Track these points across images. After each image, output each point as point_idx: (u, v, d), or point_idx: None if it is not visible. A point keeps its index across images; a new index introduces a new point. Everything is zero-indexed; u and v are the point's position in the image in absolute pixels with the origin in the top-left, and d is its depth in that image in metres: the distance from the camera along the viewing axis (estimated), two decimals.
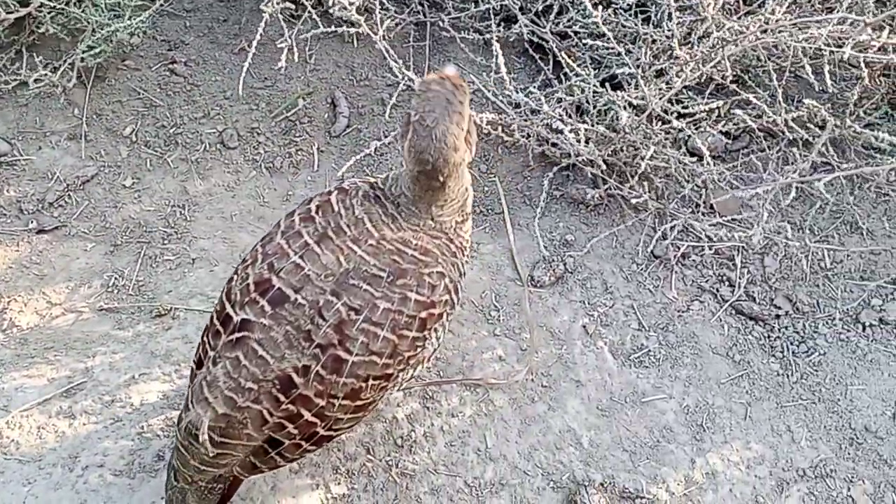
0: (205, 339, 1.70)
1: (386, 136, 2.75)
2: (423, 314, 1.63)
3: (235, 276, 1.69)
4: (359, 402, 1.64)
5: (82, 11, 2.69)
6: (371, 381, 1.62)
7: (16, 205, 2.53)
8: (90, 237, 2.47)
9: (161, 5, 2.85)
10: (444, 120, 1.58)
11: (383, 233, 1.65)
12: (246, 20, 2.99)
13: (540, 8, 2.91)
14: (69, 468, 1.93)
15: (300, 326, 1.58)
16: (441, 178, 1.63)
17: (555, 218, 2.57)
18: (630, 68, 2.37)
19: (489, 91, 2.71)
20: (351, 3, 2.35)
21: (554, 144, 2.55)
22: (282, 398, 1.59)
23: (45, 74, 2.64)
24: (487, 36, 2.88)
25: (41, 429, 2.00)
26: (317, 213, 1.69)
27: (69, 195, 2.56)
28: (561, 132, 2.51)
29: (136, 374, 2.13)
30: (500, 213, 2.58)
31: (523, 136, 2.53)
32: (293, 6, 2.59)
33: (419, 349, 1.68)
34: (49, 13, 2.69)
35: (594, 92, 2.45)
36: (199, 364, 1.70)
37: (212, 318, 1.70)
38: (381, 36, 2.48)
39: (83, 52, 2.67)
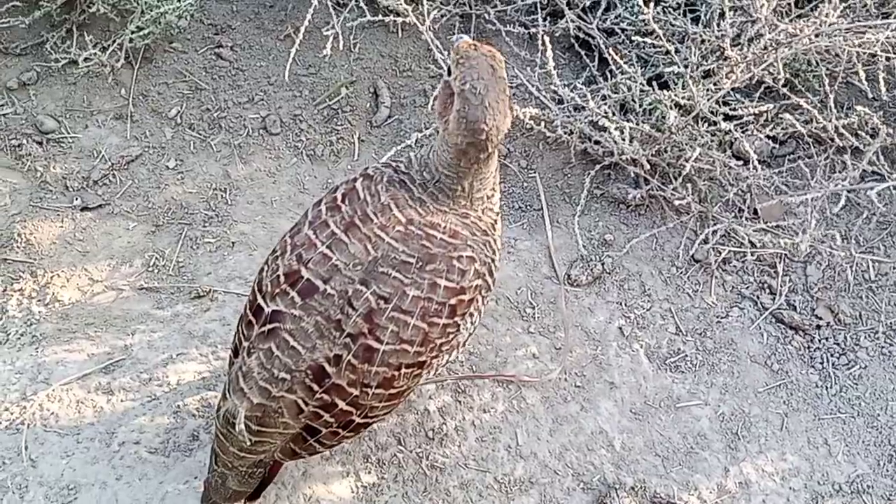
0: (239, 328, 1.71)
1: (427, 128, 2.72)
2: (453, 301, 1.60)
3: (266, 267, 1.68)
4: (392, 391, 1.63)
5: None
6: (404, 370, 1.61)
7: (62, 181, 2.55)
8: (133, 216, 2.49)
9: None
10: (493, 87, 1.52)
11: (411, 218, 1.62)
12: (292, 6, 2.99)
13: (587, 4, 2.87)
14: (106, 443, 1.95)
15: (330, 316, 1.57)
16: (491, 148, 1.57)
17: (594, 217, 2.53)
18: (679, 67, 2.32)
19: (533, 86, 2.67)
20: None
21: (597, 142, 2.51)
22: (315, 388, 1.59)
23: (95, 54, 2.65)
24: (533, 30, 2.85)
25: (80, 403, 2.02)
26: (343, 201, 1.66)
27: (113, 174, 2.58)
28: (605, 130, 2.47)
29: (174, 353, 2.14)
30: (539, 209, 2.54)
31: (566, 133, 2.49)
32: None
33: (452, 335, 1.65)
34: None
35: (640, 90, 2.40)
36: (236, 353, 1.71)
37: (245, 307, 1.71)
38: (428, 27, 2.45)
39: (132, 32, 2.69)
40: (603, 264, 2.41)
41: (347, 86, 2.84)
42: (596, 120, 2.50)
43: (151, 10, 2.70)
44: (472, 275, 1.62)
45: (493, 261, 1.71)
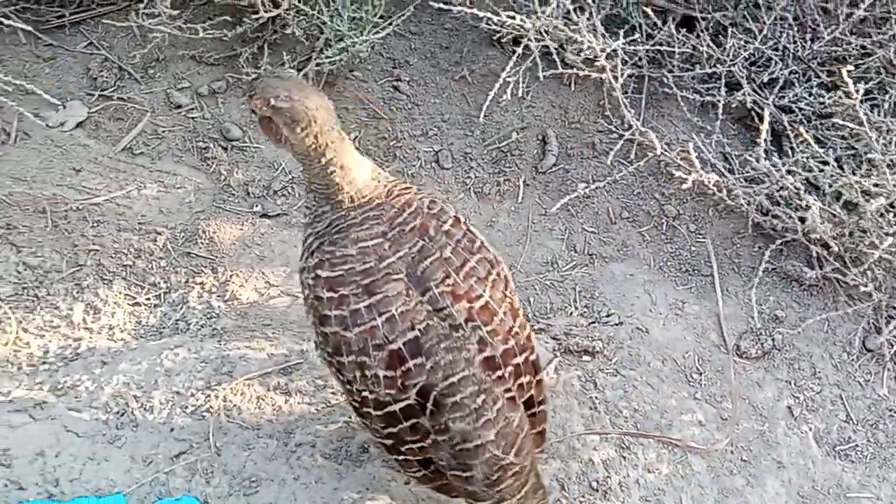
0: (395, 437, 1.71)
1: (594, 181, 2.85)
2: (458, 228, 1.75)
3: (357, 380, 1.67)
4: (520, 316, 1.75)
5: (329, 20, 2.95)
6: (508, 295, 1.73)
7: (244, 187, 2.76)
8: None
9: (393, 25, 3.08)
10: (289, 84, 1.68)
11: (360, 241, 1.69)
12: (467, 50, 3.19)
13: (765, 79, 2.98)
14: (284, 442, 2.07)
15: (444, 333, 1.64)
16: (323, 114, 1.72)
17: (764, 290, 2.59)
18: (878, 154, 2.39)
19: (709, 153, 2.78)
20: (602, 51, 2.49)
21: (775, 216, 2.58)
22: (500, 371, 1.68)
23: (290, 71, 2.89)
24: (708, 98, 2.97)
25: (260, 399, 2.15)
26: (335, 287, 1.67)
27: (292, 186, 2.78)
28: (779, 204, 2.56)
29: None
30: (707, 275, 2.62)
31: (746, 204, 2.57)
32: (533, 49, 2.73)
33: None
34: (296, 17, 2.97)
35: (832, 172, 2.47)
36: (424, 463, 1.75)
37: (379, 421, 1.70)
38: (620, 86, 2.60)
39: (327, 57, 2.92)
40: (773, 340, 2.46)
41: (518, 131, 3.01)
42: (772, 194, 2.58)
43: (343, 40, 2.94)
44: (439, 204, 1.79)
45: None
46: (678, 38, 2.97)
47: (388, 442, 1.74)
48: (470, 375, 1.65)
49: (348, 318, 1.63)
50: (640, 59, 3.07)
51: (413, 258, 1.67)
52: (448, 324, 1.64)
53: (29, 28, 2.66)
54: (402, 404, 1.65)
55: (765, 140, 2.40)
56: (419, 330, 1.63)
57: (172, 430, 2.06)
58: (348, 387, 1.70)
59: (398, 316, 1.62)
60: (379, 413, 1.68)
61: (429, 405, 1.65)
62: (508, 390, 1.70)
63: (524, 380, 1.74)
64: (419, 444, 1.70)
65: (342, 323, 1.64)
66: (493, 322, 1.67)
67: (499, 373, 1.68)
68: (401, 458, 1.76)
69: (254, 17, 2.91)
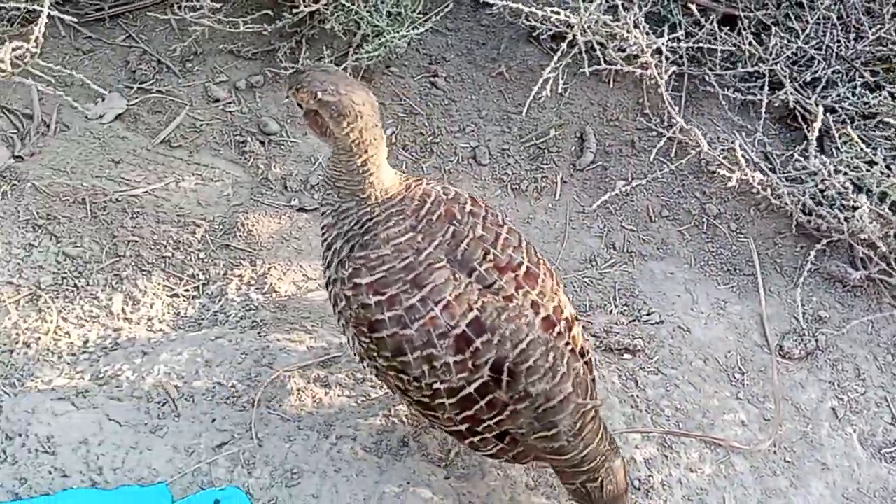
0: (476, 416, 1.72)
1: (633, 179, 2.84)
2: (481, 208, 1.83)
3: (427, 367, 1.68)
4: (556, 276, 1.84)
5: (368, 15, 2.96)
6: (542, 261, 1.82)
7: (281, 181, 2.78)
8: None
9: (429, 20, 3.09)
10: (337, 80, 1.70)
11: (395, 240, 1.72)
12: (504, 46, 3.20)
13: (808, 79, 2.96)
14: (324, 435, 2.07)
15: (502, 306, 1.68)
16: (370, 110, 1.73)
17: (807, 291, 2.56)
18: None
19: (754, 151, 2.76)
20: (648, 47, 2.48)
21: (819, 216, 2.55)
22: (558, 329, 1.75)
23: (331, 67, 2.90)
24: (749, 97, 2.95)
25: (300, 391, 2.16)
26: (378, 289, 1.69)
27: None
28: (821, 204, 2.53)
29: None
30: (749, 274, 2.60)
31: (791, 203, 2.55)
32: (581, 44, 2.72)
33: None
34: (335, 12, 2.98)
35: (880, 172, 2.45)
36: (500, 436, 1.77)
37: (454, 409, 1.72)
38: (665, 84, 2.59)
39: (365, 52, 2.93)
40: (817, 341, 2.43)
41: (556, 127, 3.00)
42: (815, 194, 2.56)
43: (382, 35, 2.95)
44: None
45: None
46: (720, 37, 2.96)
47: (463, 427, 1.76)
48: (536, 338, 1.71)
49: (405, 316, 1.66)
50: (681, 56, 3.06)
51: (449, 244, 1.72)
52: (501, 296, 1.69)
53: (73, 19, 2.69)
54: (476, 384, 1.68)
55: (815, 139, 2.37)
56: (477, 309, 1.67)
57: (214, 420, 2.08)
58: (416, 384, 1.71)
59: (454, 301, 1.66)
60: (453, 400, 1.70)
61: (503, 377, 1.69)
62: (568, 343, 1.76)
63: (575, 331, 1.81)
64: (497, 419, 1.73)
65: (399, 322, 1.66)
66: (538, 284, 1.75)
67: (557, 329, 1.75)
68: (476, 438, 1.78)
69: (293, 11, 2.93)
